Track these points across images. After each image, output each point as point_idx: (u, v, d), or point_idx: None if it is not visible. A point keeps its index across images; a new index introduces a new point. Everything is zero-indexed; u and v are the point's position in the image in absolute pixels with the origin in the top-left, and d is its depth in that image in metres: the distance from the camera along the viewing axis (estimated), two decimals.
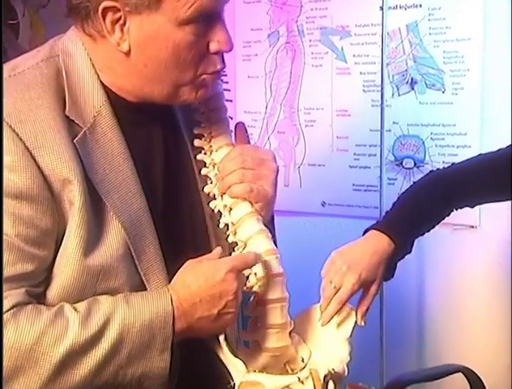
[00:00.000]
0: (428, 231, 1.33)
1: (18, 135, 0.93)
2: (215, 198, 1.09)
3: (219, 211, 1.08)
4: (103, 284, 0.97)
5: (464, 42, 2.04)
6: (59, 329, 0.92)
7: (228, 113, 1.16)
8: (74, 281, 0.95)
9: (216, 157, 1.09)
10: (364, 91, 2.21)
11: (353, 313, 1.18)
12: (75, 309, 0.94)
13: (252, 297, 1.04)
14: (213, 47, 1.00)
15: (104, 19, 0.96)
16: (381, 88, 2.12)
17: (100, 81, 1.02)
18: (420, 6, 2.09)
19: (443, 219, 1.34)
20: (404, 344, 2.24)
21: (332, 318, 1.17)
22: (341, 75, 2.24)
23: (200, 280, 0.98)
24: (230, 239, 1.07)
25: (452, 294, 2.18)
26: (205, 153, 1.10)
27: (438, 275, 2.19)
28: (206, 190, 1.09)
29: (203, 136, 1.11)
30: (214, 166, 1.09)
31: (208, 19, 0.98)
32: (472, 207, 1.38)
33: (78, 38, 1.02)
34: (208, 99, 1.09)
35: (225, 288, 0.98)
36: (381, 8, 2.09)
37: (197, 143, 1.10)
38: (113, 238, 0.98)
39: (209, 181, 1.09)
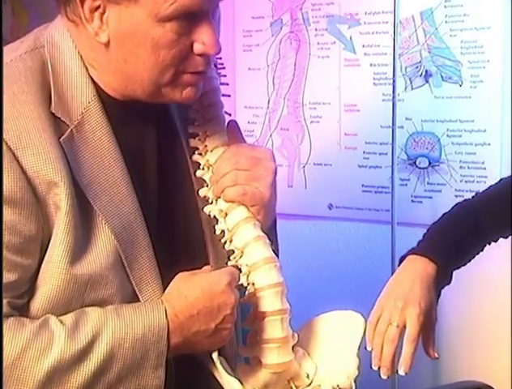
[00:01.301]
0: (464, 264, 1.28)
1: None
2: (210, 203, 1.07)
3: (214, 216, 1.06)
4: (91, 294, 0.95)
5: (483, 31, 2.01)
6: (43, 343, 0.89)
7: (227, 109, 1.12)
8: (60, 292, 0.93)
9: (211, 158, 1.07)
10: (374, 84, 2.17)
11: (362, 324, 1.12)
12: (61, 322, 0.92)
13: (250, 310, 1.02)
14: (197, 48, 0.97)
15: (82, 5, 0.93)
16: (393, 81, 2.06)
17: (89, 75, 0.99)
18: None
19: (478, 252, 1.29)
20: (418, 359, 2.16)
21: (410, 364, 1.15)
22: (350, 67, 2.20)
23: (197, 291, 0.97)
24: (226, 247, 1.05)
25: (466, 300, 2.14)
26: (200, 154, 1.08)
27: (454, 287, 2.11)
28: (201, 193, 1.07)
29: (198, 135, 1.09)
30: (209, 168, 1.07)
31: (193, 18, 0.95)
32: (506, 238, 1.33)
33: (65, 28, 0.99)
34: (202, 94, 1.05)
35: (224, 301, 0.97)
36: None
37: (192, 142, 1.09)
38: (103, 245, 0.96)
39: (204, 184, 1.08)
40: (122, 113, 1.01)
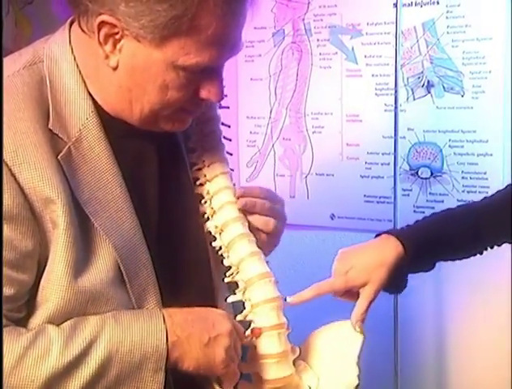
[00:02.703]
0: (454, 258, 1.30)
1: None
2: (207, 219, 1.08)
3: (210, 232, 1.08)
4: (92, 310, 0.95)
5: (485, 42, 2.00)
6: (40, 350, 0.89)
7: (229, 119, 1.21)
8: (61, 309, 0.93)
9: (211, 188, 1.08)
10: (376, 94, 2.16)
11: (360, 334, 1.14)
12: (59, 328, 0.92)
13: (249, 326, 1.03)
14: (202, 94, 0.99)
15: (99, 30, 0.93)
16: (395, 92, 2.05)
17: (88, 91, 0.99)
18: (438, 2, 2.05)
19: (473, 252, 1.30)
20: (420, 371, 2.20)
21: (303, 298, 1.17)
22: (351, 78, 2.19)
23: (193, 309, 1.00)
24: (225, 262, 1.05)
25: (471, 312, 2.12)
26: (201, 184, 1.09)
27: (456, 293, 2.14)
28: (201, 209, 1.09)
29: (197, 164, 1.10)
30: (205, 182, 1.08)
31: (205, 70, 0.97)
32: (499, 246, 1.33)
33: (66, 41, 0.99)
34: (203, 123, 1.09)
35: (220, 320, 0.98)
36: (395, 5, 2.03)
37: (193, 173, 1.10)
38: (103, 261, 0.96)
39: (203, 201, 1.09)
40: (121, 128, 1.00)
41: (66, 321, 0.93)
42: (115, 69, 0.95)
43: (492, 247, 1.30)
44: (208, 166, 1.09)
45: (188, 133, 1.10)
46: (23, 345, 0.88)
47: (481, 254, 1.30)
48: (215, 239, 1.07)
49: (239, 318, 1.03)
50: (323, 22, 2.19)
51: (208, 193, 1.08)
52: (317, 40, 2.21)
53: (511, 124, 1.97)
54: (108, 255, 0.96)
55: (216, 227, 1.05)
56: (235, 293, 1.05)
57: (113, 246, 0.95)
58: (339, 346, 1.13)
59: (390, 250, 1.20)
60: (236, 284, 1.05)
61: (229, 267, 1.05)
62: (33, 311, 0.93)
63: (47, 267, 0.93)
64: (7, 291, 0.90)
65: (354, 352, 1.11)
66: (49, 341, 0.90)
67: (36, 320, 0.93)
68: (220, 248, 1.05)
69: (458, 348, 2.14)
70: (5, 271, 0.90)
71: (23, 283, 0.92)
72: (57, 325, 0.92)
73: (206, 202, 1.08)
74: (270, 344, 1.01)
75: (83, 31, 0.96)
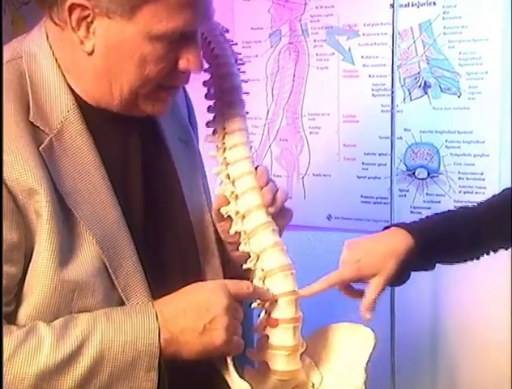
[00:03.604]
0: (456, 259, 1.29)
1: None
2: (228, 203, 1.06)
3: (229, 216, 1.06)
4: (79, 301, 0.94)
5: (482, 42, 1.99)
6: (31, 348, 0.89)
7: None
8: (48, 299, 0.92)
9: (229, 156, 1.06)
10: (373, 95, 2.16)
11: (372, 339, 1.10)
12: (50, 326, 0.91)
13: (262, 315, 1.02)
14: (182, 65, 0.98)
15: (70, 14, 0.92)
16: (392, 92, 2.04)
17: (68, 84, 0.99)
18: (434, 3, 2.04)
19: (475, 255, 1.29)
20: (417, 371, 2.20)
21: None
22: (348, 78, 2.19)
23: (183, 294, 0.97)
24: (241, 248, 1.04)
25: (468, 313, 2.12)
26: (217, 150, 1.07)
27: (453, 294, 2.14)
28: (217, 192, 1.07)
29: (216, 132, 1.08)
30: (226, 166, 1.06)
31: (181, 37, 0.95)
32: (506, 249, 1.33)
33: (43, 37, 0.99)
34: (224, 92, 1.07)
35: (213, 301, 0.96)
36: (392, 6, 2.01)
37: (209, 138, 1.09)
38: (87, 252, 0.95)
39: (219, 181, 1.07)
40: (102, 119, 1.00)
41: (53, 313, 0.93)
42: (91, 54, 0.95)
43: (488, 254, 1.29)
44: (228, 134, 1.07)
45: (208, 109, 1.08)
46: (13, 344, 0.88)
47: (478, 259, 1.30)
48: (211, 227, 1.06)
49: (254, 305, 1.02)
50: (320, 22, 2.19)
51: (226, 161, 1.06)
52: (314, 40, 2.21)
53: (510, 125, 1.97)
54: (92, 246, 0.95)
55: (238, 212, 1.04)
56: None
57: (94, 238, 0.95)
58: (348, 348, 1.11)
59: (400, 241, 1.19)
60: (253, 272, 1.03)
61: (246, 253, 1.03)
62: (20, 302, 0.93)
63: (32, 258, 0.92)
64: None
65: (364, 357, 1.09)
66: (39, 340, 0.89)
67: (24, 312, 0.93)
68: (238, 233, 1.04)
69: (456, 347, 2.14)
70: None
71: (12, 276, 0.91)
72: (46, 317, 0.92)
73: (225, 184, 1.06)
74: (284, 337, 1.00)
75: (56, 24, 0.95)
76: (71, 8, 0.91)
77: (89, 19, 0.92)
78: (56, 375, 0.89)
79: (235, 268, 1.11)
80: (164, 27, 0.92)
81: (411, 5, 2.06)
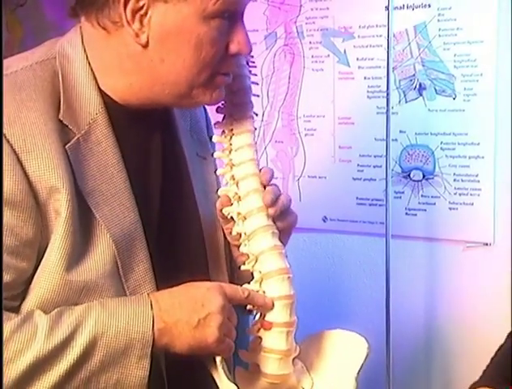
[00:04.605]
0: None
1: (5, 137, 0.91)
2: (231, 204, 1.06)
3: (231, 217, 1.06)
4: (85, 300, 0.95)
5: (477, 44, 1.99)
6: (27, 334, 0.89)
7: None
8: (54, 296, 0.93)
9: (235, 158, 1.07)
10: (368, 97, 2.16)
11: (365, 348, 1.10)
12: (46, 314, 0.92)
13: (258, 317, 1.02)
14: (233, 48, 1.00)
15: (125, 7, 0.95)
16: (387, 94, 2.03)
17: (98, 87, 1.01)
18: (429, 5, 2.04)
19: None
20: (413, 368, 2.19)
21: None
22: (344, 80, 2.19)
23: (181, 288, 0.98)
24: (241, 249, 1.05)
25: (464, 317, 2.11)
26: (223, 151, 1.08)
27: (449, 297, 2.14)
28: (220, 192, 1.08)
29: (224, 132, 1.09)
30: (231, 167, 1.06)
31: (231, 18, 0.98)
32: None
33: (78, 40, 1.01)
34: (233, 93, 1.08)
35: (209, 298, 0.96)
36: (387, 8, 2.01)
37: (216, 139, 1.10)
38: (101, 253, 0.96)
39: (224, 182, 1.08)
40: (129, 122, 1.02)
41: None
42: (146, 46, 0.97)
43: None
44: (235, 135, 1.08)
45: (217, 109, 1.10)
46: (9, 329, 0.89)
47: None
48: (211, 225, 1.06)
49: (250, 307, 1.02)
50: (315, 25, 2.19)
51: (231, 162, 1.07)
52: (310, 42, 2.21)
53: (510, 127, 1.97)
54: (108, 248, 0.96)
55: (239, 214, 1.04)
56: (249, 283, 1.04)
57: (112, 239, 0.96)
58: (341, 355, 1.10)
59: None
60: (251, 274, 1.03)
61: (245, 255, 1.04)
62: (26, 296, 0.94)
63: (45, 255, 0.93)
64: (4, 277, 0.90)
65: (356, 366, 1.09)
66: (35, 326, 0.90)
67: (28, 305, 0.93)
68: (239, 234, 1.04)
69: (452, 355, 2.14)
70: (4, 257, 0.90)
71: (22, 271, 0.92)
72: (49, 311, 0.92)
73: (229, 185, 1.07)
74: (277, 340, 1.01)
75: (102, 27, 0.98)
76: (126, 2, 0.94)
77: (143, 11, 0.95)
78: (49, 361, 0.90)
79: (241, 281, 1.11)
80: (218, 4, 0.95)
81: (406, 7, 2.06)
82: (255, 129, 1.09)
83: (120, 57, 0.99)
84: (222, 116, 1.09)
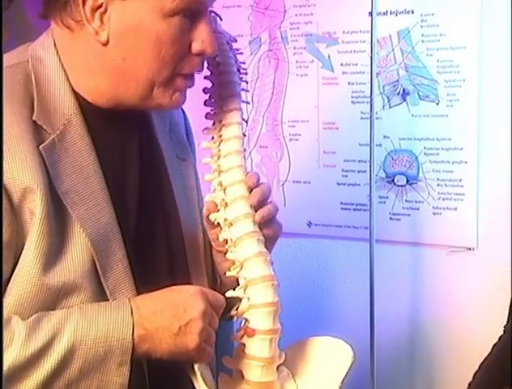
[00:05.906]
0: None
1: None
2: (217, 210, 1.06)
3: (218, 223, 1.06)
4: (63, 301, 0.94)
5: (459, 50, 2.01)
6: (3, 341, 0.88)
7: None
8: (31, 298, 0.92)
9: (223, 164, 1.06)
10: (352, 102, 2.16)
11: (350, 357, 1.09)
12: (23, 321, 0.90)
13: (242, 324, 1.02)
14: (196, 47, 0.98)
15: (83, 5, 0.95)
16: (371, 100, 2.03)
17: (72, 88, 1.00)
18: (412, 11, 2.06)
19: None
20: (397, 373, 2.19)
21: None
22: (328, 86, 2.19)
23: (163, 293, 0.97)
24: (227, 256, 1.05)
25: (448, 321, 2.12)
26: (212, 157, 1.07)
27: (433, 301, 2.14)
28: (207, 198, 1.07)
29: (213, 138, 1.08)
30: (219, 173, 1.06)
31: (194, 15, 0.97)
32: None
33: (50, 43, 1.01)
34: (222, 99, 1.07)
35: (191, 304, 0.96)
36: (371, 14, 2.01)
37: (205, 144, 1.09)
38: (78, 253, 0.95)
39: (212, 189, 1.07)
40: (105, 123, 1.01)
41: (34, 311, 0.92)
42: (106, 44, 0.96)
43: None
44: (224, 141, 1.07)
45: (206, 116, 1.08)
46: None
47: None
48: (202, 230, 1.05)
49: (233, 313, 1.02)
50: (299, 30, 2.19)
51: (219, 168, 1.06)
52: (294, 48, 2.21)
53: (493, 132, 1.98)
54: (85, 248, 0.96)
55: (226, 220, 1.04)
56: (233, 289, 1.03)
57: (88, 238, 0.95)
58: (326, 363, 1.10)
59: None
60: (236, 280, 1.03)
61: (230, 261, 1.03)
62: (4, 299, 0.92)
63: (21, 256, 0.92)
64: None
65: (341, 373, 1.08)
66: (11, 333, 0.89)
67: (6, 309, 0.92)
68: (226, 240, 1.04)
69: (436, 362, 2.14)
70: None
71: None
72: (25, 314, 0.91)
73: (217, 191, 1.06)
74: (260, 348, 1.00)
75: (66, 27, 0.97)
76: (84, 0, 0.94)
77: (102, 9, 0.94)
78: (26, 368, 0.88)
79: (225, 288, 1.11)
80: (177, 1, 0.94)
81: (389, 13, 2.07)
82: (244, 135, 1.08)
83: (86, 58, 0.99)
84: (211, 122, 1.09)
